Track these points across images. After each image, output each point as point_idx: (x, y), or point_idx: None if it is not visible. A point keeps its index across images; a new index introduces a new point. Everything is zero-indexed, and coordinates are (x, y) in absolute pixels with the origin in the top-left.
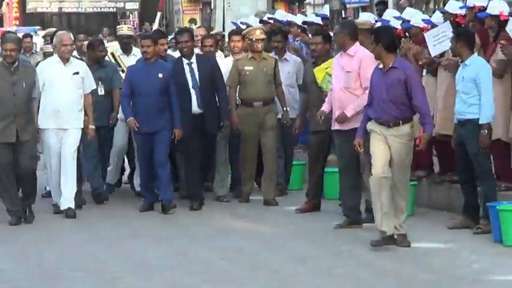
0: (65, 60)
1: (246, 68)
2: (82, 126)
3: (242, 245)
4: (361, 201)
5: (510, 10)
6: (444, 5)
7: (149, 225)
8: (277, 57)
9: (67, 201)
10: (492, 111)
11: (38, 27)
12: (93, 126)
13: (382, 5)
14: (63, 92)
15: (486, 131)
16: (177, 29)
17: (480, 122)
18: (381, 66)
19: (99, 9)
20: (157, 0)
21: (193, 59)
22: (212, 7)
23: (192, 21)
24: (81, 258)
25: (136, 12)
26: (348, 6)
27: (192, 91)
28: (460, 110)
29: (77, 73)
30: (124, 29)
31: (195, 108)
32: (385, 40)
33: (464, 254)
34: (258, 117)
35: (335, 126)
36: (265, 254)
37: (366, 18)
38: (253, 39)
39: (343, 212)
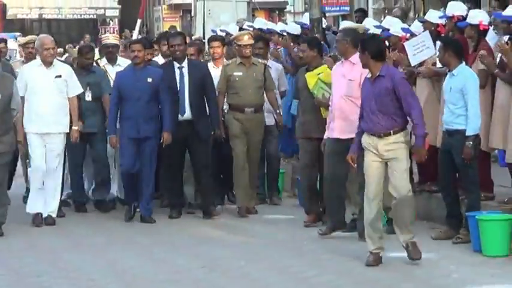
0: (48, 63)
1: (235, 73)
2: (67, 131)
3: (222, 254)
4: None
5: (490, 20)
6: (424, 14)
7: (130, 232)
8: None
9: (48, 208)
10: (479, 122)
11: (18, 33)
12: (76, 128)
13: (361, 12)
14: (46, 95)
15: (471, 143)
16: (157, 35)
17: (467, 134)
18: (369, 75)
19: (79, 16)
20: (138, 8)
21: (185, 63)
22: (192, 14)
23: (172, 28)
24: (61, 266)
25: (116, 19)
26: (327, 14)
27: (180, 97)
28: (448, 120)
29: (59, 76)
30: (110, 38)
31: (183, 113)
32: (371, 49)
33: (443, 263)
34: (248, 123)
35: (334, 135)
36: (245, 263)
37: (368, 24)
38: (241, 45)
39: (327, 220)
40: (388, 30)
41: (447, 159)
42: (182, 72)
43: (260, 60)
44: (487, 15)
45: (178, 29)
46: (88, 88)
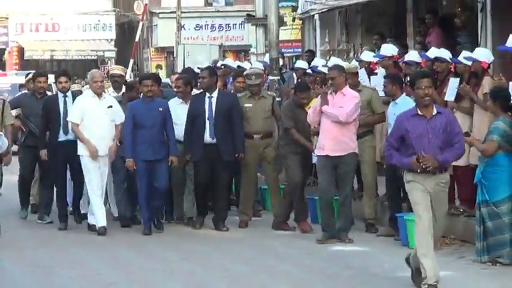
0: (99, 94)
1: (246, 105)
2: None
3: (199, 249)
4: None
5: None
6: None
7: (131, 234)
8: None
9: (101, 220)
10: None
11: (34, 71)
12: (115, 146)
13: (310, 53)
14: (101, 123)
15: None
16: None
17: None
18: (420, 113)
19: (83, 57)
20: (130, 50)
21: (215, 94)
22: (174, 55)
23: (159, 66)
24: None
25: (113, 59)
26: (284, 55)
27: (207, 122)
28: None
29: (111, 106)
30: (115, 69)
31: (208, 138)
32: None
33: (378, 255)
34: (257, 149)
35: (324, 152)
36: (217, 256)
37: (391, 50)
38: (250, 84)
39: (322, 229)
40: None
41: (392, 173)
42: (211, 101)
43: (269, 93)
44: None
45: (164, 68)
46: None
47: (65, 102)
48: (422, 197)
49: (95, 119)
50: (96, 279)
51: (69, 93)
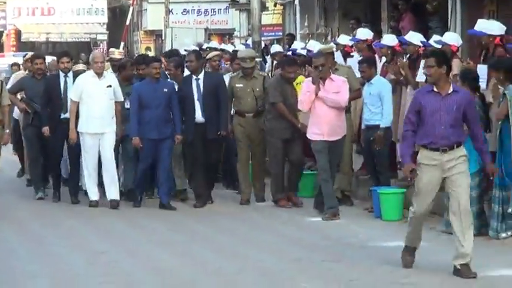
0: (99, 74)
1: (237, 85)
2: (115, 130)
3: (185, 221)
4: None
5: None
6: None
7: (122, 208)
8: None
9: (112, 194)
10: (391, 118)
11: (31, 52)
12: (122, 127)
13: (291, 36)
14: (100, 101)
15: (382, 132)
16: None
17: (381, 126)
18: (435, 89)
19: (77, 39)
20: (121, 33)
21: (201, 76)
22: (163, 38)
23: (148, 48)
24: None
25: (105, 42)
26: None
27: (197, 103)
28: (368, 117)
29: (110, 86)
30: (115, 53)
31: (200, 117)
32: (448, 64)
33: (352, 227)
34: (250, 127)
35: (324, 138)
36: (202, 227)
37: (366, 34)
38: (244, 67)
39: (329, 207)
40: (312, 51)
41: (368, 148)
42: (198, 83)
43: (260, 73)
44: (396, 39)
45: (152, 50)
46: (127, 97)
47: (66, 82)
48: (427, 185)
49: (94, 98)
50: (87, 248)
51: (70, 74)
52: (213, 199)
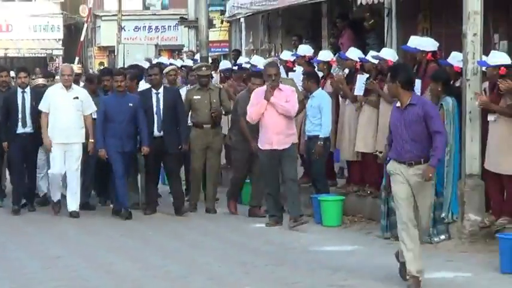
0: (67, 87)
1: (195, 97)
2: (83, 141)
3: (138, 227)
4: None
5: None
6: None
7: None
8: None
9: (73, 205)
10: (329, 129)
11: None
12: (93, 140)
13: (237, 52)
14: (66, 112)
15: (322, 142)
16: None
17: (321, 136)
18: (398, 104)
19: (34, 55)
20: (76, 48)
21: (161, 90)
22: (115, 53)
23: (101, 63)
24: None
25: (60, 57)
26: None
27: (155, 116)
28: (310, 128)
29: (77, 97)
30: (74, 68)
31: (156, 131)
32: (402, 78)
33: (294, 232)
34: (206, 137)
35: (273, 147)
36: (153, 233)
37: (306, 50)
38: (200, 75)
39: (270, 214)
40: (257, 66)
41: (309, 158)
42: (158, 97)
43: (216, 85)
44: (332, 54)
45: (106, 65)
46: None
47: (23, 98)
48: (402, 189)
49: (61, 109)
50: (45, 254)
51: (27, 89)
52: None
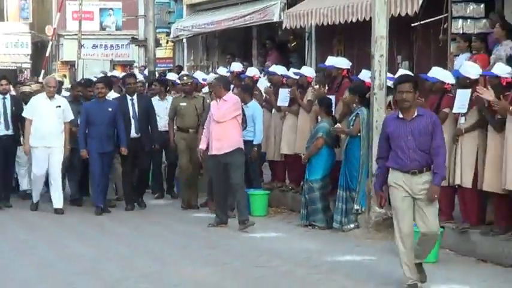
0: (50, 97)
1: (181, 104)
2: (63, 146)
3: (101, 220)
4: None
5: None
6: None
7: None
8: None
9: (57, 203)
10: (261, 136)
11: None
12: (69, 147)
13: (179, 67)
14: (49, 120)
15: (256, 149)
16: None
17: (254, 143)
18: (400, 115)
19: (5, 67)
20: (42, 62)
21: (135, 97)
22: (76, 67)
23: (64, 76)
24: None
25: (29, 70)
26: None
27: (132, 120)
28: (244, 134)
29: (59, 106)
30: (55, 76)
31: (133, 133)
32: (418, 90)
33: (234, 223)
34: (191, 141)
35: (213, 152)
36: (111, 223)
37: (237, 67)
38: (183, 83)
39: (216, 214)
40: (197, 78)
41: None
42: (133, 103)
43: (200, 94)
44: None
45: (68, 77)
46: (78, 116)
47: (4, 104)
48: (402, 202)
49: (45, 116)
50: (12, 239)
51: (7, 95)
52: (145, 203)
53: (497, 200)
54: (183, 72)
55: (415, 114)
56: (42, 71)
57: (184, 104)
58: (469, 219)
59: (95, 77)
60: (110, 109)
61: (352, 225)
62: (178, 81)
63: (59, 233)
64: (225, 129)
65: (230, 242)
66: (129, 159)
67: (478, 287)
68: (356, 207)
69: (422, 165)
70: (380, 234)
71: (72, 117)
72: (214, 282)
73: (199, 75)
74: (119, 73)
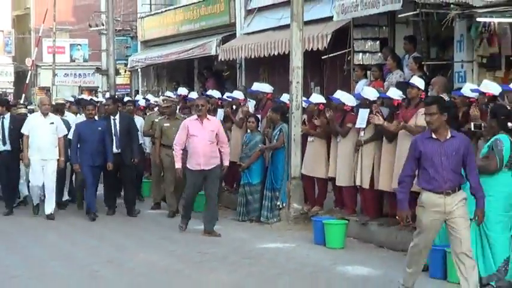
0: (44, 114)
1: (165, 124)
2: (57, 158)
3: (77, 222)
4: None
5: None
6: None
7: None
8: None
9: (49, 209)
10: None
11: None
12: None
13: (135, 91)
14: (44, 135)
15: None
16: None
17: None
18: (434, 136)
19: None
20: (23, 88)
21: (117, 116)
22: (51, 92)
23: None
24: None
25: (12, 94)
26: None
27: (114, 137)
28: None
29: (52, 123)
30: (59, 100)
31: (115, 149)
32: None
33: (178, 217)
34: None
35: (201, 167)
36: (97, 227)
37: (183, 91)
38: (163, 107)
39: (184, 217)
40: (149, 100)
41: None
42: (115, 122)
43: (182, 116)
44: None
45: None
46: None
47: (2, 123)
48: (431, 223)
49: (39, 132)
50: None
51: (6, 115)
52: (137, 210)
53: (390, 197)
54: (163, 97)
55: (449, 135)
56: (23, 95)
57: (168, 124)
58: (368, 213)
59: (66, 99)
60: (100, 128)
61: (275, 219)
62: (140, 103)
63: (46, 231)
64: (212, 147)
65: (179, 234)
66: (112, 172)
67: (377, 267)
68: (278, 203)
69: (455, 185)
70: (298, 226)
71: (65, 133)
72: (163, 265)
73: (151, 97)
74: (86, 96)
